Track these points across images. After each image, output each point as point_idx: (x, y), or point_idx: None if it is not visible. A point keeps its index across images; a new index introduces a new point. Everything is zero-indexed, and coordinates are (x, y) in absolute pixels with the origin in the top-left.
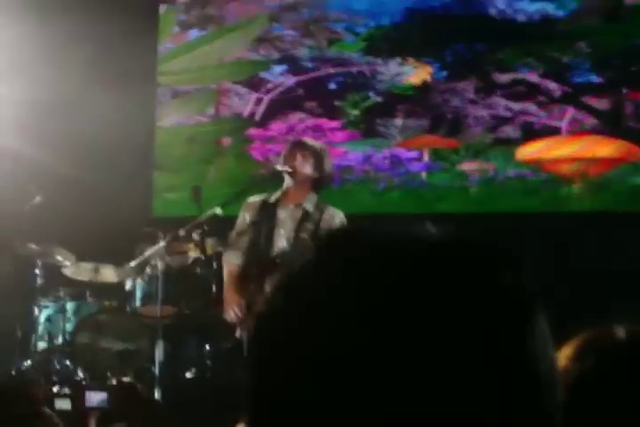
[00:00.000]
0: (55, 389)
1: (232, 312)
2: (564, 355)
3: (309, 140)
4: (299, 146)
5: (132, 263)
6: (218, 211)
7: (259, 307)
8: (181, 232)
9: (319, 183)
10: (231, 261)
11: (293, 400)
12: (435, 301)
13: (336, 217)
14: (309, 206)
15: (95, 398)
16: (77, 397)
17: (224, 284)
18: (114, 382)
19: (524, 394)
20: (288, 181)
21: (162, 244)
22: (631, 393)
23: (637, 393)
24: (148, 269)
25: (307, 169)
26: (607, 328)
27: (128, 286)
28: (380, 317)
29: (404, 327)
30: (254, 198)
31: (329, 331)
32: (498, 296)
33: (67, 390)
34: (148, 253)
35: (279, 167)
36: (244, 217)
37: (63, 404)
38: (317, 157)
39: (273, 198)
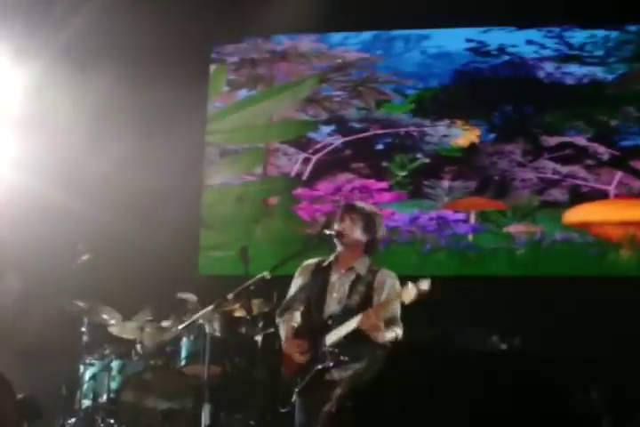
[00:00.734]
0: None
1: (297, 356)
2: None
3: (360, 204)
4: (348, 209)
5: (182, 325)
6: (267, 275)
7: (325, 415)
8: (230, 296)
9: (371, 247)
10: (291, 321)
11: None
12: (507, 421)
13: (388, 278)
14: (361, 269)
15: None
16: None
17: (283, 338)
18: None
19: None
20: (338, 245)
21: (211, 306)
22: None
23: None
24: (194, 330)
25: (356, 233)
26: None
27: (171, 345)
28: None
29: None
30: (309, 262)
31: None
32: (565, 413)
33: None
34: (197, 314)
35: (328, 231)
36: (299, 280)
37: None
38: (367, 221)
39: (326, 262)
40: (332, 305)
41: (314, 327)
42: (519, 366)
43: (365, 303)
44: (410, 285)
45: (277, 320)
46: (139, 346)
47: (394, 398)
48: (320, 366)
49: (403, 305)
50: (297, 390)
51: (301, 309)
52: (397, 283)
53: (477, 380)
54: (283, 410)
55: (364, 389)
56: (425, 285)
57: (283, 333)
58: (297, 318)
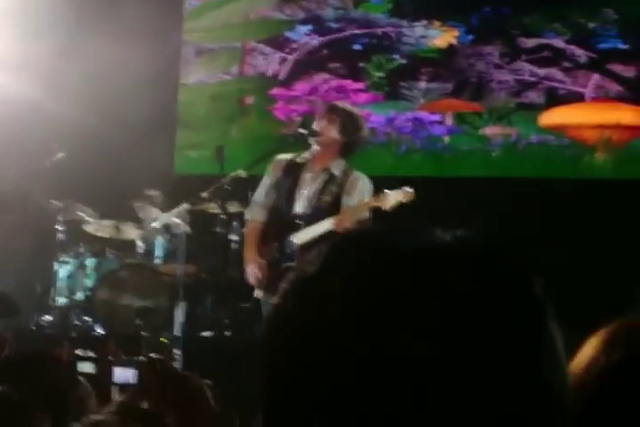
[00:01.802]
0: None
1: (252, 272)
2: (592, 345)
3: (343, 104)
4: (330, 109)
5: (157, 223)
6: (242, 173)
7: (269, 310)
8: (204, 194)
9: (348, 148)
10: (254, 219)
11: (306, 405)
12: (446, 309)
13: (360, 180)
14: (336, 171)
15: (123, 374)
16: (102, 370)
17: (245, 242)
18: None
19: (532, 401)
20: (314, 143)
21: (186, 205)
22: None
23: None
24: (168, 228)
25: (332, 132)
26: (635, 318)
27: (145, 244)
28: (392, 323)
29: (416, 334)
30: (282, 157)
31: (340, 338)
32: (506, 303)
33: (90, 353)
34: (172, 213)
35: (301, 130)
36: (270, 176)
37: (85, 367)
38: (346, 122)
39: (300, 159)
40: (302, 203)
41: (282, 225)
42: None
43: (335, 204)
44: (389, 193)
45: (246, 217)
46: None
47: (332, 289)
48: (287, 264)
49: (377, 210)
50: (263, 286)
51: (270, 205)
52: (369, 185)
53: (420, 271)
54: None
55: (305, 279)
56: (402, 195)
57: (248, 231)
58: (256, 216)
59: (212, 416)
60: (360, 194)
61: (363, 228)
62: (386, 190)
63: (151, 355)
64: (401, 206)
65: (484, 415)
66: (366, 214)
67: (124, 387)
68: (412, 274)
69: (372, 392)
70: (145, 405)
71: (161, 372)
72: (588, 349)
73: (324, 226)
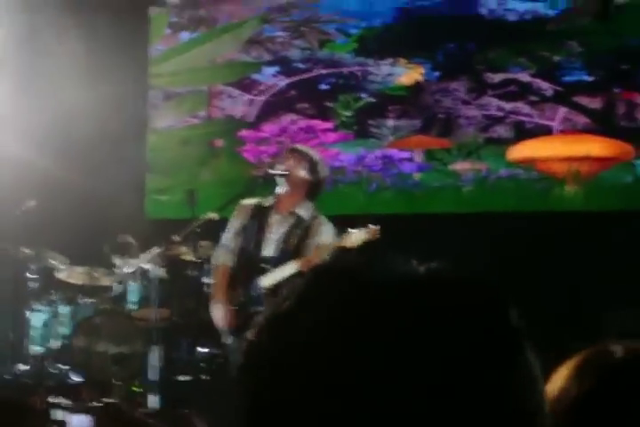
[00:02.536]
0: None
1: (220, 318)
2: (562, 374)
3: (304, 147)
4: (293, 151)
5: (129, 269)
6: (214, 216)
7: (246, 343)
8: (177, 238)
9: (314, 190)
10: (222, 263)
11: None
12: (422, 340)
13: (324, 225)
14: (304, 213)
15: (81, 420)
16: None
17: (213, 287)
18: (97, 403)
19: None
20: (282, 185)
21: (157, 249)
22: (630, 413)
23: (636, 413)
24: (141, 273)
25: (301, 172)
26: (605, 346)
27: (119, 289)
28: (369, 355)
29: (393, 364)
30: (248, 201)
31: (318, 371)
32: (484, 336)
33: (62, 400)
34: (144, 258)
35: (272, 171)
36: (236, 220)
37: (59, 415)
38: (312, 163)
39: (267, 203)
40: (269, 247)
41: (249, 269)
42: (434, 287)
43: (301, 247)
44: (353, 231)
45: (212, 262)
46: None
47: (309, 322)
48: (255, 308)
49: (345, 249)
50: (231, 331)
51: (237, 250)
52: (332, 230)
53: (395, 302)
54: (216, 351)
55: (280, 314)
56: (366, 234)
57: (216, 276)
58: (224, 259)
59: None
60: (325, 237)
61: (336, 262)
62: (350, 230)
63: (107, 400)
64: (374, 244)
65: None
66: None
67: None
68: (387, 305)
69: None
70: None
71: (115, 417)
72: (559, 378)
73: (290, 269)
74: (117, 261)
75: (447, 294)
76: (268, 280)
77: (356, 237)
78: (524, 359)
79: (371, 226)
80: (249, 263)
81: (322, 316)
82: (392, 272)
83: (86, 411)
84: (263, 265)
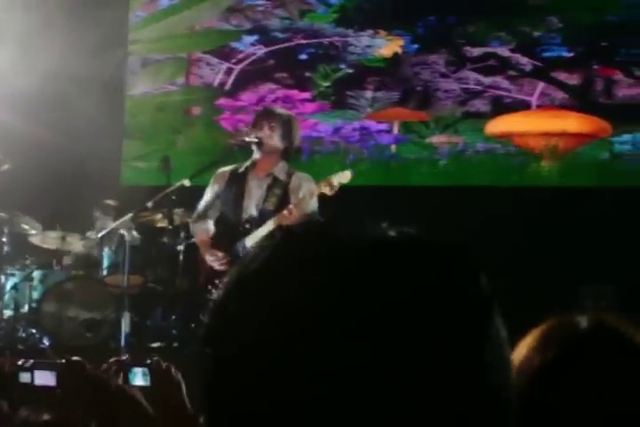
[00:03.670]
0: (20, 361)
1: (214, 258)
2: (526, 344)
3: (277, 109)
4: (266, 116)
5: (100, 233)
6: (186, 182)
7: (209, 308)
8: (150, 204)
9: (288, 153)
10: (202, 231)
11: (249, 411)
12: (388, 302)
13: (303, 181)
14: (279, 174)
15: (44, 376)
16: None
17: (200, 250)
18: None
19: (476, 402)
20: (256, 151)
21: (129, 214)
22: (593, 384)
23: (599, 384)
24: (115, 239)
25: (274, 140)
26: (570, 317)
27: (92, 254)
28: (332, 321)
29: (356, 331)
30: (224, 169)
31: (280, 337)
32: (452, 299)
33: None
34: (115, 223)
35: (247, 139)
36: (214, 187)
37: (26, 377)
38: (285, 127)
39: (242, 169)
40: (250, 210)
41: (232, 233)
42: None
43: (282, 206)
44: (331, 177)
45: (191, 229)
46: (66, 257)
47: (278, 282)
48: None
49: (323, 200)
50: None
51: (216, 216)
52: (313, 183)
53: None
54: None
55: (248, 275)
56: (344, 177)
57: (199, 242)
58: (210, 226)
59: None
60: (306, 191)
61: (306, 223)
62: (329, 177)
63: (71, 358)
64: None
65: (426, 413)
66: (315, 205)
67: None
68: (354, 268)
69: (319, 395)
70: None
71: (79, 374)
72: (522, 348)
73: (270, 225)
74: (102, 224)
75: (415, 257)
76: (252, 240)
77: (334, 180)
78: (494, 328)
79: (347, 171)
80: (231, 228)
81: (289, 276)
82: (361, 233)
83: (50, 368)
84: (247, 226)
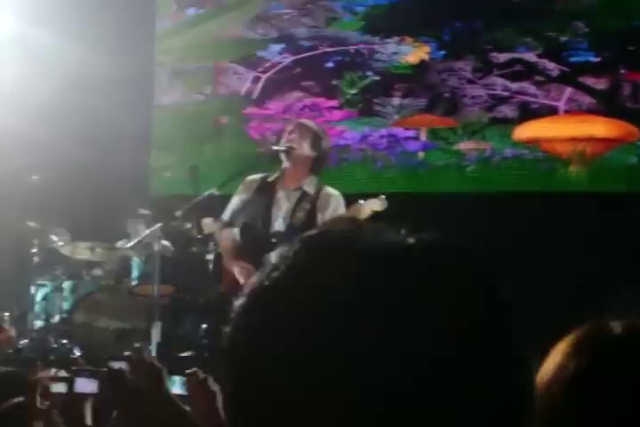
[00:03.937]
0: (52, 372)
1: (241, 270)
2: (560, 350)
3: (307, 121)
4: (297, 125)
5: (130, 244)
6: (215, 192)
7: (232, 318)
8: (179, 213)
9: (318, 164)
10: (228, 238)
11: (272, 419)
12: (411, 312)
13: (332, 197)
14: (309, 188)
15: (86, 385)
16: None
17: (224, 258)
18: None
19: (498, 404)
20: (286, 161)
21: (159, 224)
22: (628, 390)
23: (634, 390)
24: (144, 249)
25: (304, 149)
26: (604, 323)
27: (124, 265)
28: (357, 332)
29: (382, 344)
30: (253, 177)
31: (303, 348)
32: (467, 309)
33: (64, 373)
34: (145, 233)
35: (276, 147)
36: (242, 195)
37: (59, 388)
38: (315, 137)
39: (272, 178)
40: (277, 222)
41: (258, 244)
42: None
43: (310, 221)
44: (362, 202)
45: (216, 235)
46: (98, 269)
47: (299, 292)
48: None
49: (355, 220)
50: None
51: (242, 224)
52: (342, 201)
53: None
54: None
55: (269, 285)
56: (377, 204)
57: (222, 248)
58: (236, 233)
59: None
60: (333, 210)
61: (326, 232)
62: (360, 201)
63: (113, 365)
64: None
65: (446, 414)
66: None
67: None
68: (376, 278)
69: (346, 404)
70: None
71: (122, 383)
72: (556, 355)
73: None
74: (136, 233)
75: (433, 264)
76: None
77: (365, 207)
78: (509, 337)
79: (380, 196)
80: (257, 239)
81: (311, 284)
82: (381, 242)
83: (91, 376)
84: (273, 240)
